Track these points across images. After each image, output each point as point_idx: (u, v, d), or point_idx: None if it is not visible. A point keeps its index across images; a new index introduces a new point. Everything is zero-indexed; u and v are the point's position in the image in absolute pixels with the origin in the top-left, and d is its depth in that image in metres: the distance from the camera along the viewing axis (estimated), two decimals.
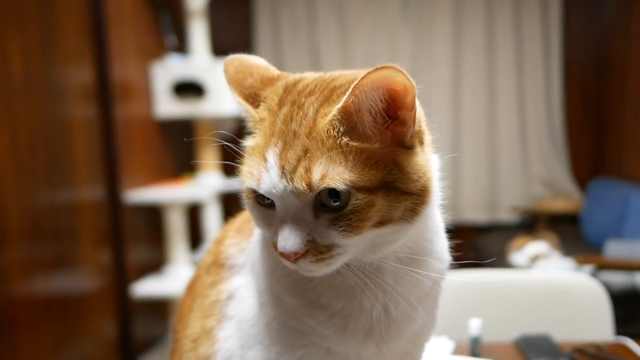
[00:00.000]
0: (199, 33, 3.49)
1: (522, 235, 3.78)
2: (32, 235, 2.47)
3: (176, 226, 3.33)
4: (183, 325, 0.83)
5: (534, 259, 3.29)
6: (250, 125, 0.66)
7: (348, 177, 0.57)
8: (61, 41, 2.73)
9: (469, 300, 1.32)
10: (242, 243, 0.80)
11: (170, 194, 3.29)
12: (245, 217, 0.83)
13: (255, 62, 0.71)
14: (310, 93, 0.63)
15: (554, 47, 4.64)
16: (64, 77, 2.75)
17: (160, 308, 3.52)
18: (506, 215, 4.67)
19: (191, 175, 3.74)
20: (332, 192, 0.57)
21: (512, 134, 4.66)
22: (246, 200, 0.64)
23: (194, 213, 3.65)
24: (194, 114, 3.47)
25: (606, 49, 4.59)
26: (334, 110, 0.59)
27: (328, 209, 0.58)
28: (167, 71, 3.45)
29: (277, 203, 0.60)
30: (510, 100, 4.64)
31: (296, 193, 0.58)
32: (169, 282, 3.22)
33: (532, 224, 4.52)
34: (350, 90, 0.57)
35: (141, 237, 3.45)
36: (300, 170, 0.57)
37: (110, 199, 3.08)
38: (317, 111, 0.61)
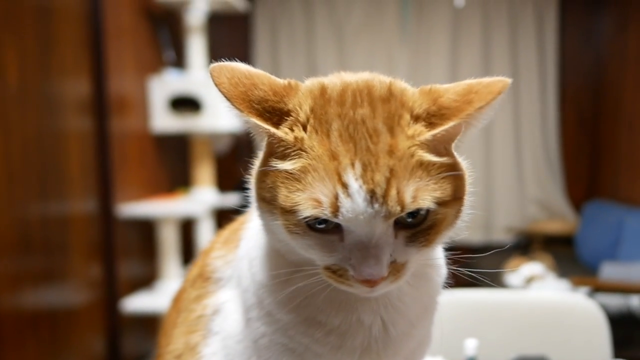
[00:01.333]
0: (197, 48, 3.49)
1: (517, 256, 3.76)
2: (21, 247, 2.43)
3: (169, 241, 3.30)
4: (167, 340, 0.80)
5: (529, 280, 3.28)
6: (276, 147, 0.57)
7: (436, 195, 0.55)
8: (59, 52, 2.72)
9: (464, 320, 1.30)
10: (228, 255, 0.76)
11: (164, 208, 3.26)
12: (233, 228, 0.80)
13: (250, 70, 0.61)
14: (355, 104, 0.58)
15: (549, 69, 4.67)
16: (61, 88, 2.74)
17: (151, 324, 3.47)
18: (501, 235, 4.66)
19: (186, 190, 3.72)
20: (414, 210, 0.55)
21: (507, 155, 4.67)
22: (293, 229, 0.57)
23: (187, 228, 3.62)
24: (190, 129, 3.46)
25: (601, 73, 4.63)
26: (427, 134, 0.56)
27: (403, 226, 0.56)
28: (165, 85, 3.44)
29: (356, 228, 0.54)
30: (506, 121, 4.66)
31: (388, 217, 0.54)
32: (160, 297, 3.18)
33: (527, 245, 4.51)
34: (459, 117, 0.56)
35: (133, 252, 3.41)
36: (393, 192, 0.53)
37: (102, 212, 3.05)
38: (391, 129, 0.56)
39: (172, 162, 3.92)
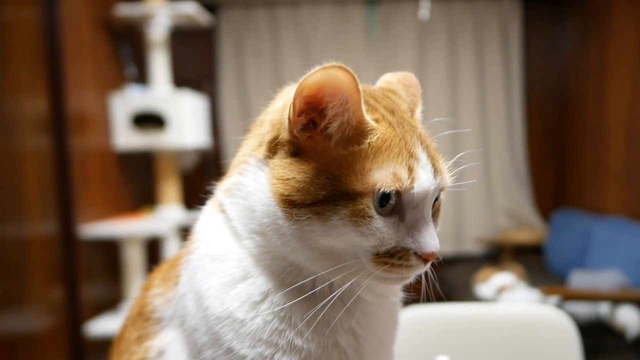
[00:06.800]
0: (160, 63, 3.43)
1: (487, 266, 3.76)
2: None
3: (134, 261, 3.21)
4: None
5: (500, 290, 3.27)
6: (342, 134, 0.59)
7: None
8: (13, 69, 2.64)
9: (434, 336, 1.27)
10: (167, 293, 0.72)
11: (128, 227, 3.18)
12: (170, 264, 0.75)
13: None
14: (382, 97, 0.67)
15: (514, 82, 4.73)
16: (16, 106, 2.65)
17: None
18: (471, 246, 4.67)
19: (151, 208, 3.63)
20: None
21: (476, 167, 4.69)
22: (366, 212, 0.57)
23: (153, 247, 3.54)
24: (154, 145, 3.39)
25: (565, 85, 4.70)
26: (418, 110, 0.71)
27: None
28: (127, 102, 3.37)
29: (420, 204, 0.59)
30: (473, 134, 4.69)
31: (443, 188, 0.63)
32: None
33: (497, 255, 4.53)
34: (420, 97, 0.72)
35: (97, 273, 3.31)
36: (443, 168, 0.63)
37: (63, 234, 2.95)
38: (405, 113, 0.66)
39: (137, 180, 3.84)
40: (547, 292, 2.85)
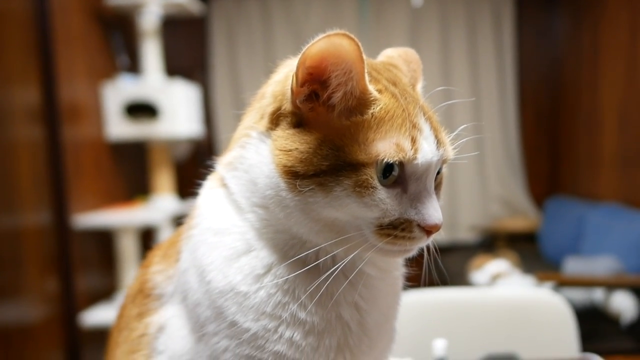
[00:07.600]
0: (152, 53, 3.40)
1: (482, 254, 3.77)
2: None
3: (128, 251, 3.20)
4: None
5: (495, 277, 3.28)
6: (345, 104, 0.59)
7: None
8: (5, 60, 2.61)
9: (432, 320, 1.27)
10: (168, 270, 0.72)
11: (122, 217, 3.16)
12: (171, 240, 0.75)
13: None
14: (384, 69, 0.66)
15: (507, 69, 4.73)
16: (8, 97, 2.62)
17: None
18: (466, 234, 4.68)
19: (145, 198, 3.62)
20: None
21: (469, 155, 4.69)
22: (370, 183, 0.57)
23: (148, 237, 3.52)
24: (147, 135, 3.36)
25: (558, 72, 4.70)
26: (419, 85, 0.70)
27: None
28: (119, 92, 3.34)
29: (423, 175, 0.59)
30: (466, 120, 4.68)
31: (445, 161, 0.62)
32: None
33: (491, 242, 4.54)
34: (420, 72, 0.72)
35: (91, 263, 3.29)
36: (446, 140, 0.63)
37: (57, 224, 2.93)
38: (408, 87, 0.65)
39: (130, 170, 3.82)
40: (542, 278, 2.86)
